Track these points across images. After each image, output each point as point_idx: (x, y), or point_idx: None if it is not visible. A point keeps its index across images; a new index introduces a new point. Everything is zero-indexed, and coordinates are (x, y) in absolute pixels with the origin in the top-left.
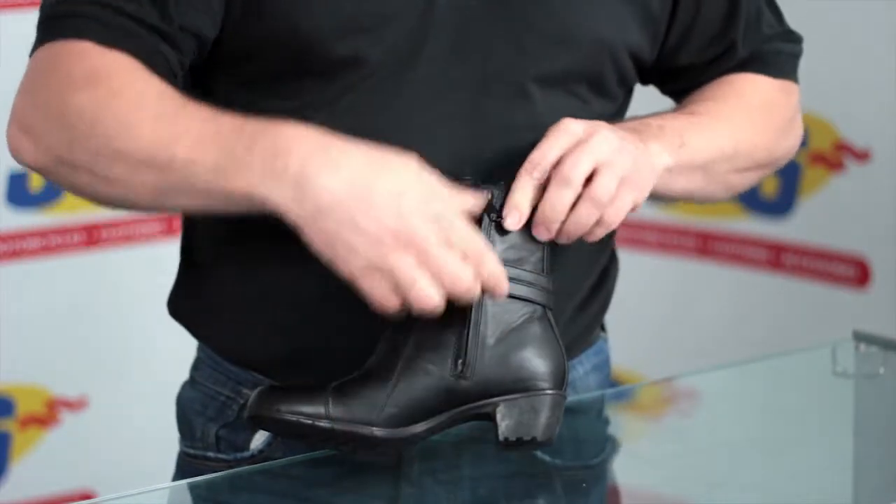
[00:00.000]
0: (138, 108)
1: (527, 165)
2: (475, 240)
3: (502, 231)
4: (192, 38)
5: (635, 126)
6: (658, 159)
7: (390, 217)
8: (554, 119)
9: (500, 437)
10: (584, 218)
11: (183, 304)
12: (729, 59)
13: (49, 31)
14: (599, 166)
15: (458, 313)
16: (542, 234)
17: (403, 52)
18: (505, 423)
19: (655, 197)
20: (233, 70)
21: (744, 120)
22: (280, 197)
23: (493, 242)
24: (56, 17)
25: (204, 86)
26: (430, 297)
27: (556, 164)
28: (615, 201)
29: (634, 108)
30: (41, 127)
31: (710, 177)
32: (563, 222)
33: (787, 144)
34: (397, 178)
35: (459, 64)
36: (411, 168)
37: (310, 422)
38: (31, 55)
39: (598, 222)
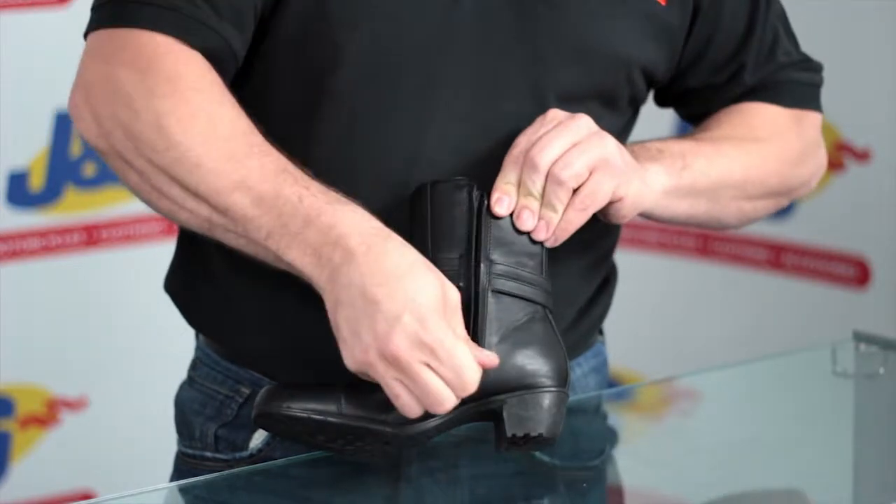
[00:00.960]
0: (208, 141)
1: (512, 151)
2: (465, 363)
3: (504, 229)
4: (253, 11)
5: (634, 149)
6: (655, 179)
7: (384, 335)
8: None
9: (507, 433)
10: (551, 198)
11: (179, 285)
12: (736, 84)
13: (122, 14)
14: (572, 147)
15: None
16: (536, 230)
17: (424, 52)
18: (510, 419)
19: (657, 219)
20: (258, 54)
21: (752, 148)
22: (318, 279)
23: (492, 243)
24: (136, 2)
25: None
26: (411, 410)
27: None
28: (588, 184)
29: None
30: (109, 117)
31: (717, 202)
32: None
33: (802, 173)
34: (406, 297)
35: (478, 68)
36: (426, 288)
37: (321, 418)
38: (97, 27)
39: (572, 204)
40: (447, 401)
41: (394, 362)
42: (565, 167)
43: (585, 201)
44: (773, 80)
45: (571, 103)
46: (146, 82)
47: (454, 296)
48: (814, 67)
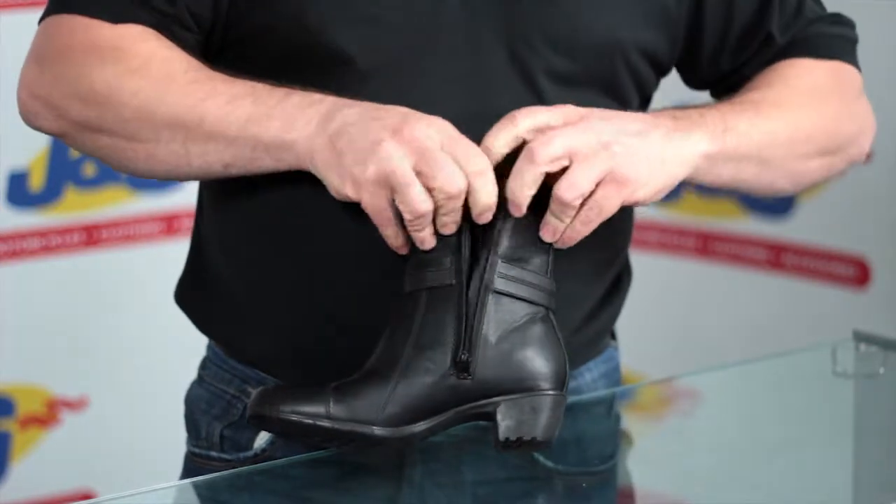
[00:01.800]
0: (168, 76)
1: (503, 121)
2: (476, 154)
3: (510, 228)
4: (195, 20)
5: (674, 113)
6: (695, 146)
7: (398, 121)
8: None
9: (501, 437)
10: (557, 212)
11: (189, 294)
12: (768, 50)
13: (66, 2)
14: (574, 159)
15: (455, 309)
16: (544, 232)
17: (412, 47)
18: (505, 423)
19: (701, 185)
20: (238, 58)
21: (794, 104)
22: (305, 134)
23: (497, 243)
24: None
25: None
26: (422, 202)
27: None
28: (594, 198)
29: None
30: (62, 99)
31: (766, 165)
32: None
33: (849, 129)
34: (410, 112)
35: (468, 59)
36: (426, 116)
37: (311, 421)
38: (44, 18)
39: (578, 217)
40: (457, 180)
41: (413, 142)
42: (570, 188)
43: (590, 215)
44: (804, 35)
45: (570, 90)
46: (92, 54)
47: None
48: (845, 22)
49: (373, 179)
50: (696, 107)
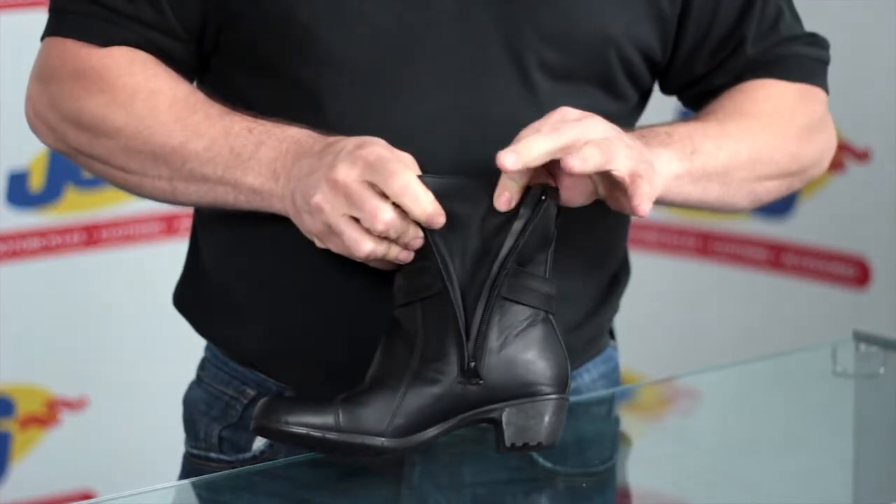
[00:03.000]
0: (153, 110)
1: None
2: (392, 174)
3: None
4: (184, 27)
5: (643, 132)
6: (666, 167)
7: (327, 167)
8: None
9: (506, 443)
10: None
11: (187, 298)
12: (738, 57)
13: (58, 25)
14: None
15: (456, 317)
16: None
17: (405, 44)
18: (510, 428)
19: (670, 204)
20: (231, 59)
21: (759, 126)
22: (277, 193)
23: (504, 244)
24: (64, 11)
25: (209, 70)
26: (363, 242)
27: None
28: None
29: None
30: (57, 123)
31: (729, 185)
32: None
33: (811, 151)
34: (351, 140)
35: (462, 56)
36: (370, 141)
37: (319, 434)
38: (42, 38)
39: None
40: (381, 210)
41: (336, 186)
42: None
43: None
44: (777, 55)
45: (564, 85)
46: (80, 83)
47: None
48: (820, 43)
49: (323, 232)
50: (663, 125)
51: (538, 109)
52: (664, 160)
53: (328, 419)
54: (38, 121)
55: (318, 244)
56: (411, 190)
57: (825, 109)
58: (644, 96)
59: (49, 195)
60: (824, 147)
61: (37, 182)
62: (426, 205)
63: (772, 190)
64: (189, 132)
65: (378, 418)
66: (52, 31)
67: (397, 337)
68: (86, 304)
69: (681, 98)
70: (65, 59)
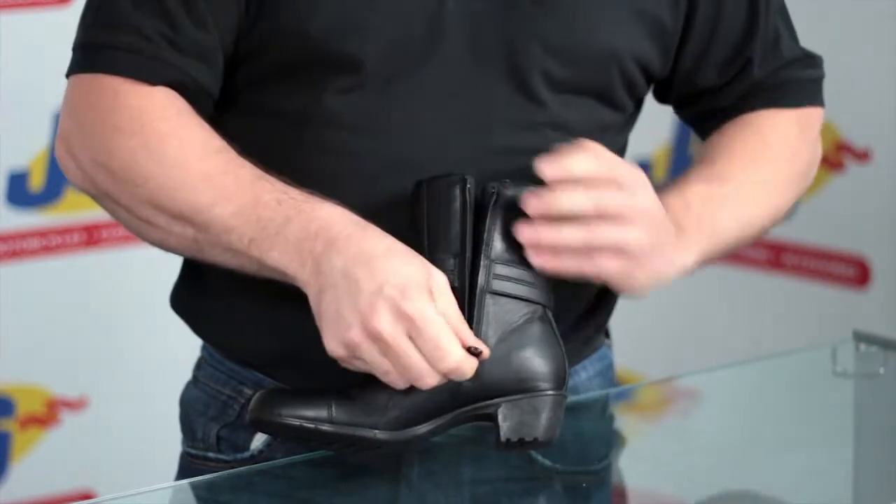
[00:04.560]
0: (182, 165)
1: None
2: (444, 338)
3: (503, 229)
4: (221, 48)
5: (676, 210)
6: (685, 257)
7: (367, 305)
8: (559, 124)
9: (502, 439)
10: (567, 235)
11: (184, 299)
12: (745, 79)
13: (88, 60)
14: (625, 219)
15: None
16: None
17: (414, 55)
18: (507, 424)
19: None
20: (243, 67)
21: (774, 181)
22: (301, 273)
23: (494, 240)
24: (94, 46)
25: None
26: (392, 381)
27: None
28: (597, 258)
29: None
30: (87, 163)
31: (740, 243)
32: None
33: (808, 181)
34: (387, 273)
35: (467, 67)
36: (406, 266)
37: (312, 426)
38: (70, 73)
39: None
40: (426, 375)
41: (377, 338)
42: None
43: (586, 256)
44: (780, 80)
45: (566, 96)
46: (113, 122)
47: (441, 279)
48: (816, 63)
49: (350, 358)
50: (689, 191)
51: (538, 120)
52: (682, 252)
53: (321, 411)
54: (68, 158)
55: (336, 356)
56: (456, 367)
57: (818, 129)
58: (639, 104)
59: (49, 195)
60: (815, 170)
61: (37, 182)
62: (468, 374)
63: (776, 223)
64: (217, 193)
65: (371, 410)
66: (87, 66)
67: None
68: (86, 304)
69: (680, 111)
70: (102, 98)
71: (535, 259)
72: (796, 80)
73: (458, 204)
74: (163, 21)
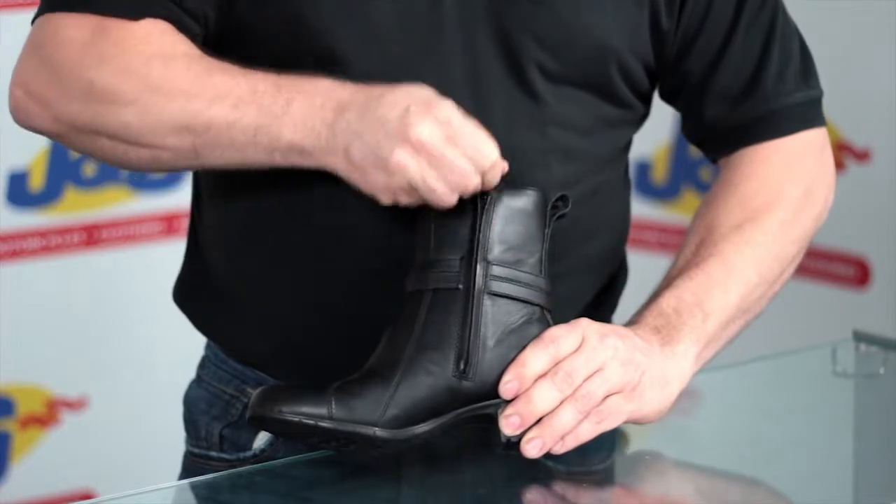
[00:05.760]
0: (170, 75)
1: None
2: (480, 137)
3: (499, 230)
4: (199, 16)
5: (655, 323)
6: (685, 358)
7: (398, 125)
8: (559, 120)
9: (503, 439)
10: (564, 417)
11: (187, 294)
12: (755, 104)
13: (60, 1)
14: (596, 372)
15: (456, 311)
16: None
17: (408, 49)
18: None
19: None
20: (236, 56)
21: (760, 233)
22: (319, 146)
23: (491, 242)
24: None
25: None
26: (441, 196)
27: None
28: (602, 409)
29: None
30: (59, 98)
31: (748, 311)
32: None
33: (815, 212)
34: (404, 94)
35: (464, 61)
36: (418, 88)
37: (312, 422)
38: (41, 13)
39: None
40: (469, 176)
41: (421, 148)
42: (584, 389)
43: (598, 418)
44: (770, 108)
45: (563, 91)
46: (93, 52)
47: (446, 99)
48: (815, 82)
49: (403, 188)
50: (666, 295)
51: (538, 114)
52: (682, 352)
53: (321, 409)
54: (29, 99)
55: (384, 200)
56: (495, 163)
57: (821, 151)
58: (646, 102)
59: (49, 195)
60: (825, 200)
61: (37, 182)
62: (497, 177)
63: (788, 276)
64: (212, 93)
65: (371, 408)
66: (60, 5)
67: (398, 327)
68: (86, 304)
69: (683, 126)
70: (79, 31)
71: (540, 452)
72: (782, 109)
73: (467, 208)
74: None
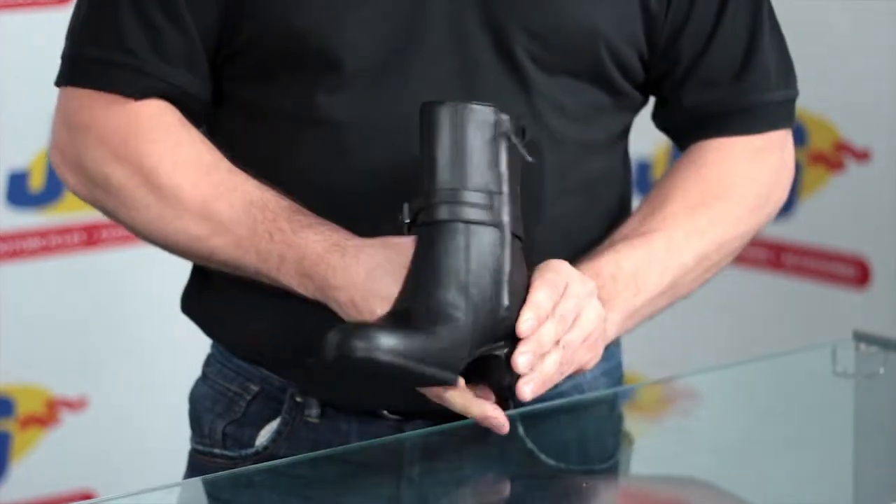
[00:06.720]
0: (176, 193)
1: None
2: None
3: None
4: (204, 50)
5: (599, 280)
6: (610, 327)
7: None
8: (552, 107)
9: (512, 379)
10: (550, 362)
11: (194, 302)
12: (704, 88)
13: (75, 74)
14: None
15: (493, 250)
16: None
17: (399, 46)
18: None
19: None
20: (229, 65)
21: (717, 222)
22: (312, 295)
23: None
24: (81, 59)
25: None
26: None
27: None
28: (572, 358)
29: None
30: (84, 180)
31: (677, 291)
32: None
33: (766, 211)
34: (371, 293)
35: (455, 54)
36: (384, 280)
37: (404, 363)
38: (60, 84)
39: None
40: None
41: None
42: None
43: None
44: (746, 103)
45: (556, 79)
46: (107, 146)
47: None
48: (790, 83)
49: None
50: (606, 258)
51: (532, 104)
52: (610, 317)
53: (415, 345)
54: (66, 169)
55: None
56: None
57: (782, 149)
58: (641, 89)
59: (49, 195)
60: (778, 200)
61: (37, 182)
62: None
63: (723, 267)
64: (214, 224)
65: (452, 352)
66: (74, 80)
67: (437, 264)
68: (86, 304)
69: (656, 116)
70: (94, 115)
71: (531, 395)
72: (761, 105)
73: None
74: (145, 30)
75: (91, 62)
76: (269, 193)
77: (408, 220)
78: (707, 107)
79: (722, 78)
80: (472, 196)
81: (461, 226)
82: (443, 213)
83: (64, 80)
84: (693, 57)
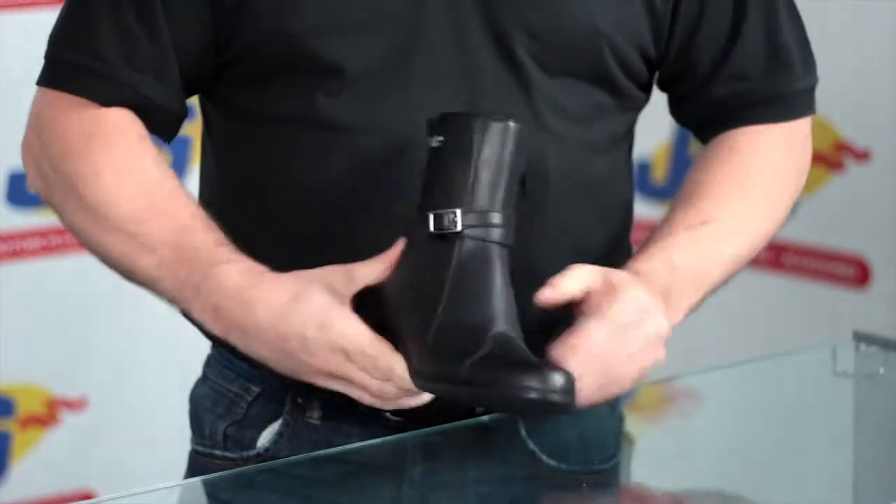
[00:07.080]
0: (111, 203)
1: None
2: (383, 361)
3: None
4: (180, 56)
5: (665, 284)
6: (674, 317)
7: (306, 363)
8: (553, 108)
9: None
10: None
11: None
12: (730, 82)
13: (49, 75)
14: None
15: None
16: None
17: (399, 49)
18: None
19: None
20: (227, 71)
21: (760, 209)
22: (221, 334)
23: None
24: (59, 62)
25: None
26: (374, 402)
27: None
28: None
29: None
30: (39, 176)
31: (729, 279)
32: None
33: (797, 192)
34: (298, 321)
35: (456, 56)
36: (303, 308)
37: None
38: (39, 84)
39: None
40: (388, 393)
41: (331, 377)
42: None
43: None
44: (771, 93)
45: (557, 79)
46: (65, 144)
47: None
48: (811, 71)
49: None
50: (676, 248)
51: (532, 105)
52: (674, 313)
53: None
54: (30, 164)
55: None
56: (396, 376)
57: (806, 139)
58: (645, 90)
59: None
60: (801, 184)
61: None
62: (405, 384)
63: (758, 250)
64: (140, 243)
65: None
66: (47, 81)
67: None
68: (86, 304)
69: (677, 111)
70: (59, 114)
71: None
72: (790, 94)
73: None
74: (121, 39)
75: (66, 65)
76: (199, 221)
77: (432, 230)
78: (738, 98)
79: (752, 70)
80: (498, 217)
81: (494, 247)
82: (478, 233)
83: (41, 79)
84: (717, 53)
